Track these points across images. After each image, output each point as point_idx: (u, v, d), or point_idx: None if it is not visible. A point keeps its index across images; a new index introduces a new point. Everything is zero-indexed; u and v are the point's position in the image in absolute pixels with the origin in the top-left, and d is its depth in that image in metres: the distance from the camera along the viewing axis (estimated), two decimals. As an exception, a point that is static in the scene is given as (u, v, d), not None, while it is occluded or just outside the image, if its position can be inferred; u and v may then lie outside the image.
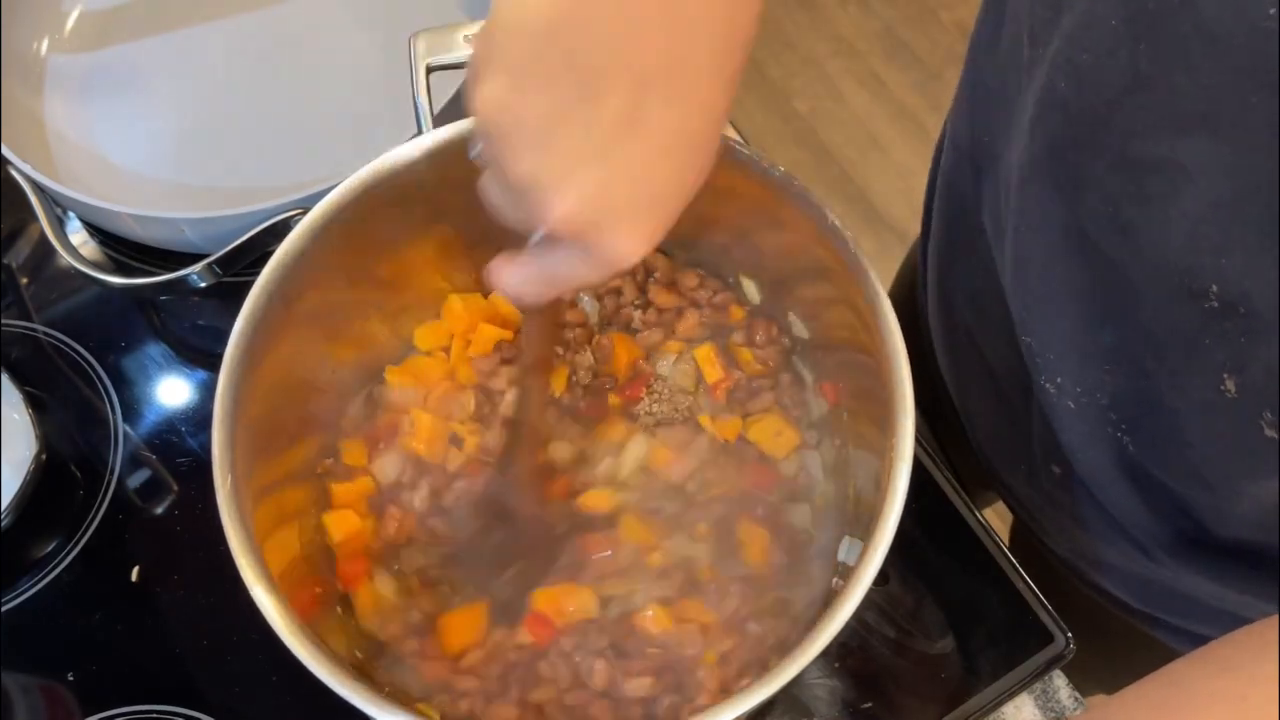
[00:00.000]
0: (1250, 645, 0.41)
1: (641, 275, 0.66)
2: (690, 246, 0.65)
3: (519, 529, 0.59)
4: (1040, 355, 0.55)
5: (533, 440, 0.59)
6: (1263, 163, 0.37)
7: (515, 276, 0.46)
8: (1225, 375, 0.44)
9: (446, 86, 0.68)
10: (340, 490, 0.60)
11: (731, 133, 0.74)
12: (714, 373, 0.63)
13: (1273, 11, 0.34)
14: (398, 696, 0.54)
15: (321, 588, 0.57)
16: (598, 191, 0.40)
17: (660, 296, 0.66)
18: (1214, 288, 0.42)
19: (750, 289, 0.65)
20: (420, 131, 0.59)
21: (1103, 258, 0.47)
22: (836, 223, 0.54)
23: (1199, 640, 0.64)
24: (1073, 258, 0.49)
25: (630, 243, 0.42)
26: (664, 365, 0.64)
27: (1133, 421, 0.52)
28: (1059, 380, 0.54)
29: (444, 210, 0.61)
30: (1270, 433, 0.44)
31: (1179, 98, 0.39)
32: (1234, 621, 0.59)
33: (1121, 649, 0.69)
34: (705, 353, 0.64)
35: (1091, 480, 0.58)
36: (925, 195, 0.76)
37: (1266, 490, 0.47)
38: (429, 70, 0.60)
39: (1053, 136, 0.48)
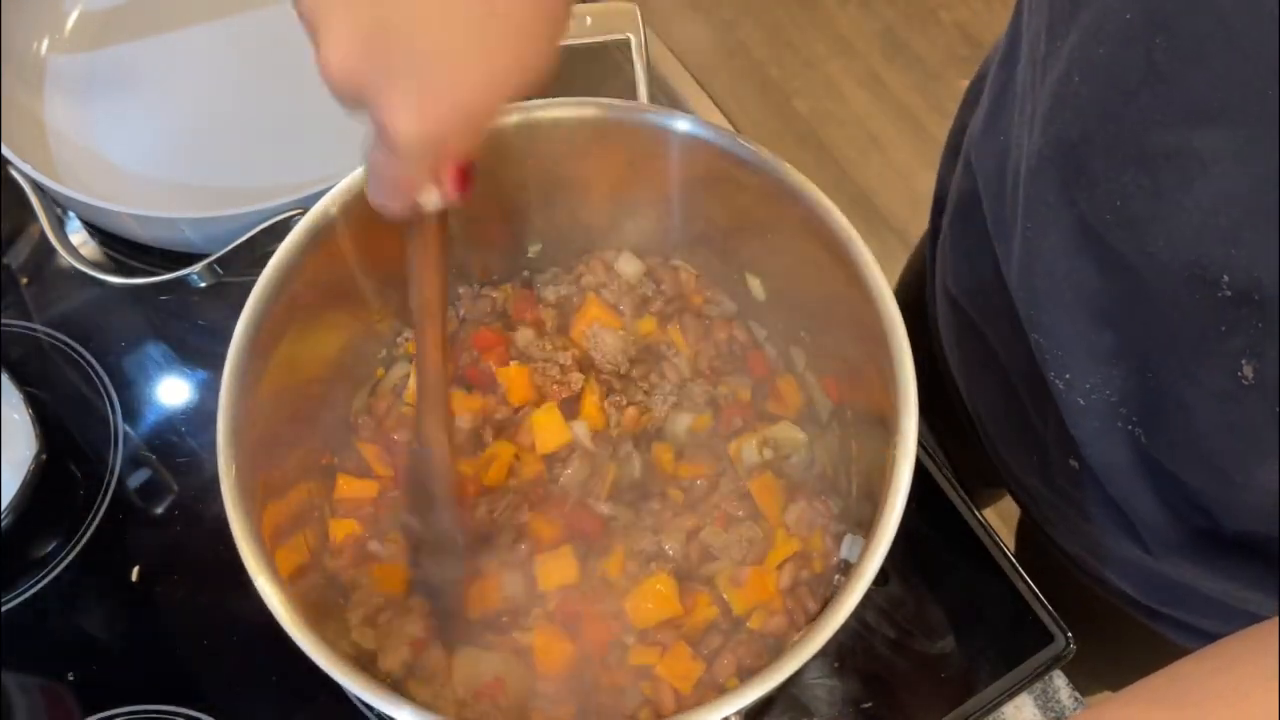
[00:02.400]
0: (1254, 644, 0.41)
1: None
2: (694, 244, 0.66)
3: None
4: (1049, 351, 0.55)
5: (438, 403, 0.52)
6: (1277, 153, 0.37)
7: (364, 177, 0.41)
8: (1244, 362, 0.44)
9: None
10: (346, 484, 0.61)
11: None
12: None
13: None
14: (398, 688, 0.54)
15: (325, 580, 0.57)
16: (369, 36, 0.34)
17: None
18: (1225, 277, 0.42)
19: (756, 286, 0.65)
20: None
21: (1110, 252, 0.48)
22: (840, 218, 0.54)
23: (1202, 634, 0.64)
24: (1079, 253, 0.49)
25: (406, 116, 0.35)
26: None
27: (1143, 415, 0.52)
28: (1067, 376, 0.55)
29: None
30: None
31: (1195, 90, 0.40)
32: (1237, 615, 0.59)
33: (1124, 647, 0.69)
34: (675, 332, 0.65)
35: (1104, 474, 0.58)
36: (935, 190, 0.76)
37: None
38: None
39: (1064, 131, 0.48)
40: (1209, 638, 0.59)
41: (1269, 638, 0.40)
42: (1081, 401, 0.55)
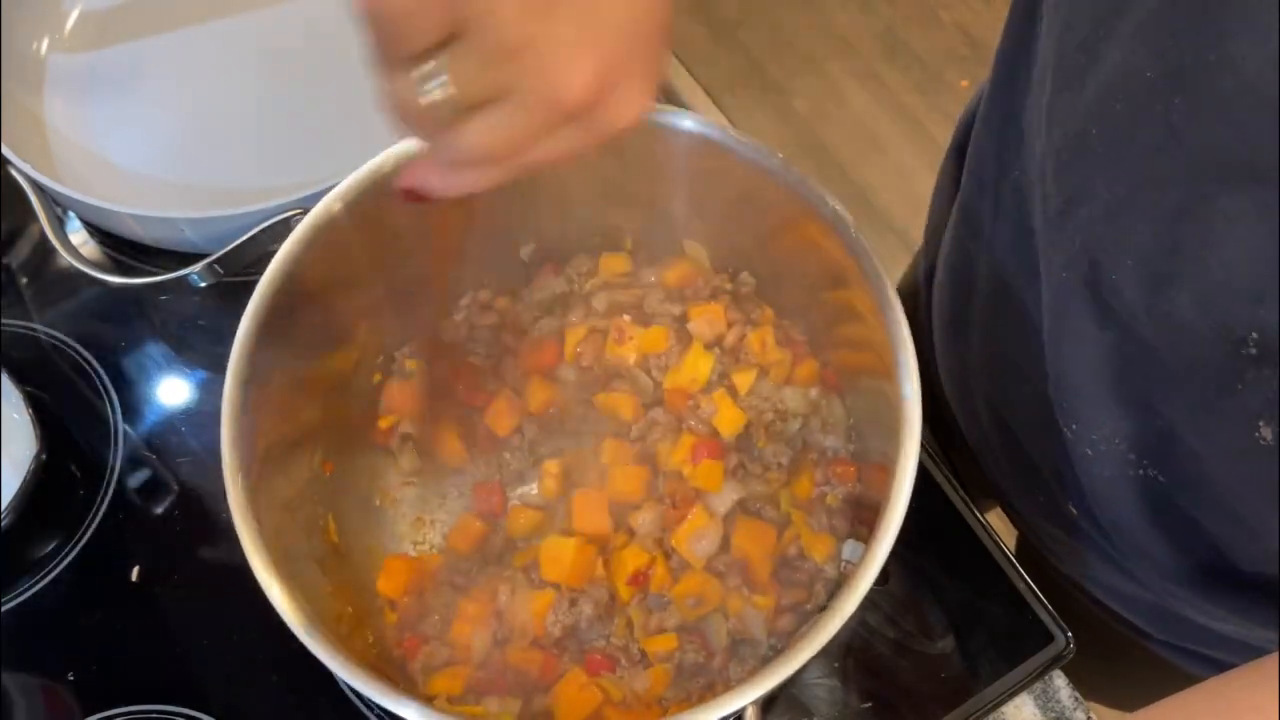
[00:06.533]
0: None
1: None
2: (688, 240, 0.65)
3: None
4: (1057, 402, 0.54)
5: None
6: None
7: (469, 156, 0.41)
8: (1262, 423, 0.43)
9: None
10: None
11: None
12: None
13: None
14: (414, 694, 0.54)
15: (332, 588, 0.57)
16: (613, 56, 0.38)
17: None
18: (1253, 335, 0.41)
19: (746, 280, 0.65)
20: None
21: (1126, 307, 0.47)
22: (838, 208, 0.54)
23: (1209, 662, 0.63)
24: (1094, 306, 0.48)
25: (644, 101, 0.41)
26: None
27: (1155, 462, 0.51)
28: (1074, 426, 0.54)
29: (449, 204, 0.61)
30: None
31: (1215, 150, 0.39)
32: (1251, 650, 0.58)
33: (1125, 664, 0.68)
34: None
35: (1112, 522, 0.57)
36: (928, 221, 0.75)
37: None
38: None
39: (1082, 184, 0.47)
40: (1217, 665, 0.59)
41: None
42: (1089, 452, 0.54)
